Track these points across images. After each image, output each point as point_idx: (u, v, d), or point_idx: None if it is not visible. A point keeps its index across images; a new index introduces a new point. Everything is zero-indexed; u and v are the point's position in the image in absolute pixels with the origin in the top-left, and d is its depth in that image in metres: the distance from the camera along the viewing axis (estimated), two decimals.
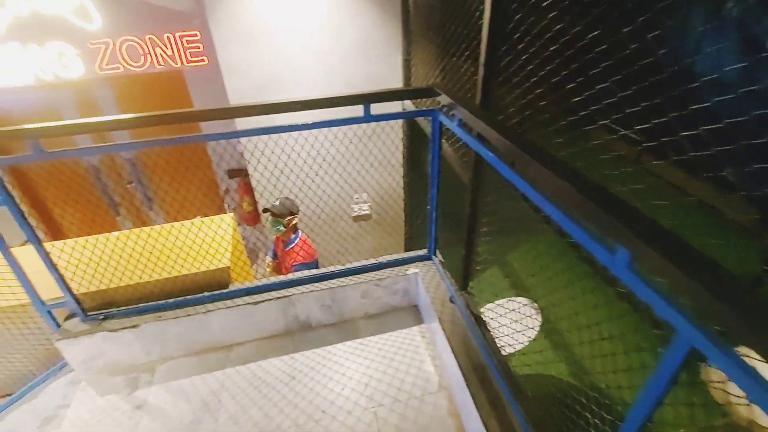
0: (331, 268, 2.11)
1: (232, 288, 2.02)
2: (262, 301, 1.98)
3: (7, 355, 2.09)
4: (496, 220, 1.89)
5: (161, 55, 3.84)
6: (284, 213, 2.58)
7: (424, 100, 2.83)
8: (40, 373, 2.12)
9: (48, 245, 1.73)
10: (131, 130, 4.06)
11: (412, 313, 2.20)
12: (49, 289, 1.81)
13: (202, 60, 3.90)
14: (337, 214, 3.58)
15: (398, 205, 3.80)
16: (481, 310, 1.84)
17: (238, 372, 1.95)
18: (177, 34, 3.75)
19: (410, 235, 3.96)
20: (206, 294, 1.97)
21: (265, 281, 2.05)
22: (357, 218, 3.76)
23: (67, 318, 1.93)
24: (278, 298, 1.99)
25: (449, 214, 2.10)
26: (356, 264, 2.12)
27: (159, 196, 4.85)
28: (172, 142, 1.60)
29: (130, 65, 3.86)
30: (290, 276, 2.09)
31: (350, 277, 2.09)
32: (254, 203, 4.67)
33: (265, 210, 2.63)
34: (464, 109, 1.36)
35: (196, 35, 3.79)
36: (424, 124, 2.71)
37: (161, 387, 1.92)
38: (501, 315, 1.84)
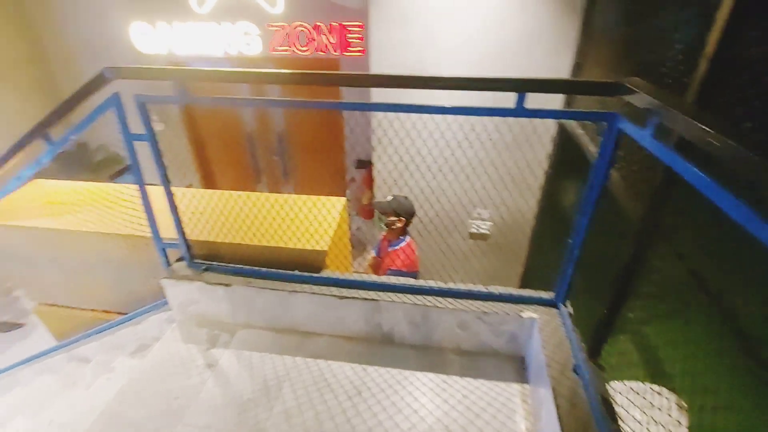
0: (431, 283, 1.81)
1: (321, 274, 1.87)
2: (348, 298, 1.79)
3: (129, 279, 2.32)
4: (666, 278, 1.36)
5: (325, 43, 4.04)
6: (387, 210, 2.38)
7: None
8: (150, 303, 2.30)
9: (175, 189, 1.82)
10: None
11: (515, 366, 1.76)
12: (168, 230, 1.91)
13: (361, 51, 3.98)
14: (454, 224, 3.25)
15: (524, 232, 3.29)
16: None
17: (307, 365, 1.79)
18: (342, 23, 3.89)
19: (530, 270, 3.41)
20: (296, 273, 1.87)
21: (355, 277, 1.86)
22: (474, 235, 3.37)
23: (177, 260, 2.04)
24: (365, 299, 1.78)
25: (588, 254, 1.61)
26: (460, 286, 1.78)
27: (296, 171, 5.19)
28: (304, 105, 1.51)
29: (298, 49, 4.15)
30: (383, 279, 1.86)
31: (450, 300, 1.76)
32: (373, 197, 4.65)
33: (373, 203, 2.48)
34: (679, 113, 0.91)
35: (359, 26, 3.88)
36: (584, 140, 2.21)
37: (234, 353, 1.88)
38: (631, 401, 1.31)
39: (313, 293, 1.81)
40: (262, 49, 4.24)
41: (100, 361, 2.27)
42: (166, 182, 1.77)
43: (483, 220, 3.31)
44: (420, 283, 1.82)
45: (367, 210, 4.85)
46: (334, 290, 1.82)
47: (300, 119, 4.78)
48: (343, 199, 2.28)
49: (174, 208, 1.83)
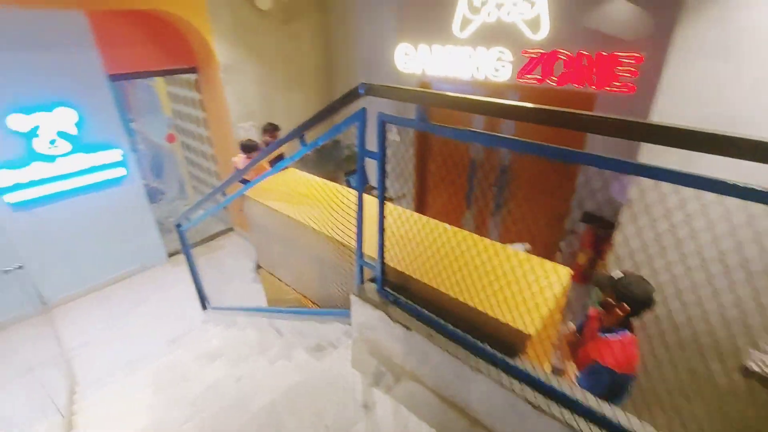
0: None
1: (517, 363, 1.46)
2: (545, 412, 1.32)
3: (329, 279, 2.44)
4: None
5: (584, 74, 3.50)
6: (605, 287, 1.71)
7: None
8: (340, 308, 2.37)
9: (387, 208, 1.73)
10: (518, 133, 4.01)
11: None
12: (371, 245, 1.86)
13: (629, 89, 3.27)
14: (718, 349, 2.24)
15: None
16: None
17: None
18: (614, 53, 3.26)
19: None
20: (486, 348, 1.51)
21: (564, 389, 1.36)
22: (753, 375, 2.24)
23: (370, 279, 1.98)
24: (570, 425, 1.28)
25: None
26: None
27: (509, 206, 4.79)
28: (539, 152, 1.14)
29: (549, 79, 3.74)
30: (605, 410, 1.30)
31: None
32: (593, 259, 3.80)
33: (594, 272, 1.85)
34: None
35: (635, 57, 3.18)
36: None
37: (393, 405, 1.68)
38: None
39: (500, 383, 1.42)
40: (510, 76, 4.01)
41: (286, 341, 2.48)
42: (383, 206, 1.69)
43: None
44: None
45: (579, 272, 4.03)
46: (528, 392, 1.39)
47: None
48: (568, 271, 1.79)
49: (381, 232, 1.75)
